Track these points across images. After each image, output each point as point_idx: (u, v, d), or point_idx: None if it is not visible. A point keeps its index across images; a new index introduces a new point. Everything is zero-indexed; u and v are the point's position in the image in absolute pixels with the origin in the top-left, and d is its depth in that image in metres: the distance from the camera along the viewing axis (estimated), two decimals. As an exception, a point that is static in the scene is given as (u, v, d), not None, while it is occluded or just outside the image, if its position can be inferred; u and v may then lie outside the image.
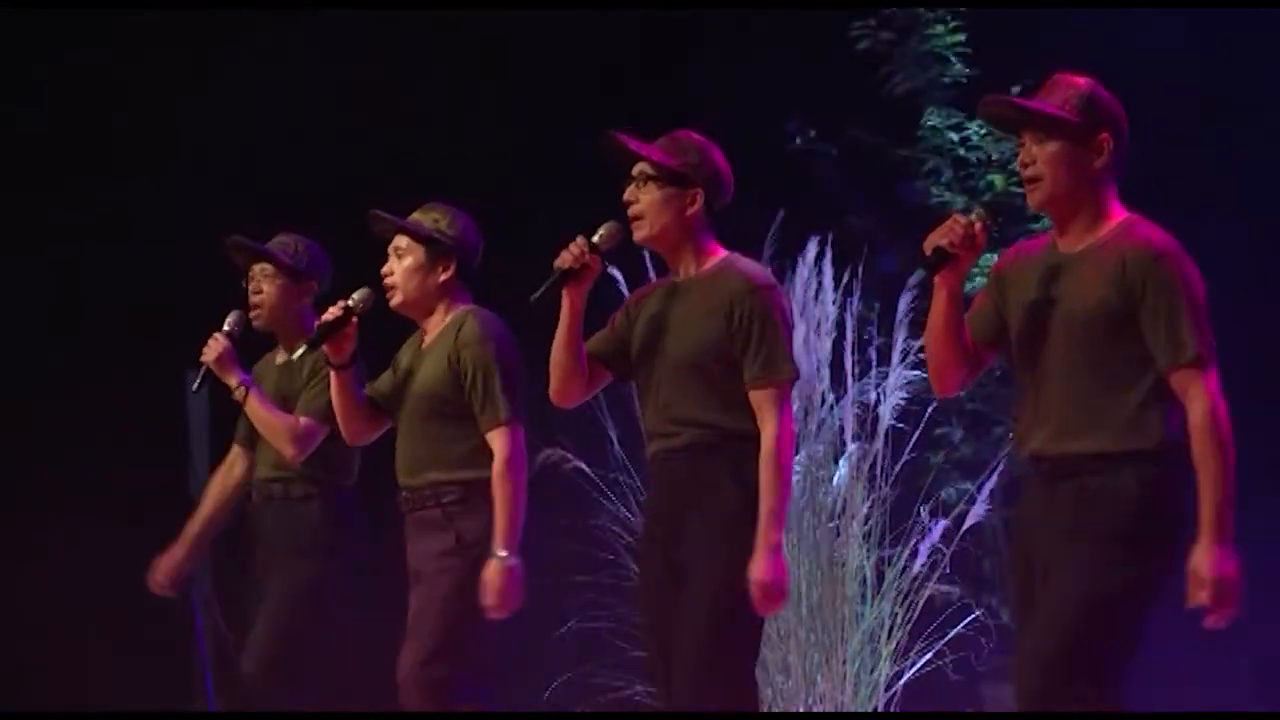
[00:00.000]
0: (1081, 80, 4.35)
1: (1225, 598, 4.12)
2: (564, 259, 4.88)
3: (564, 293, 4.89)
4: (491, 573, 5.29)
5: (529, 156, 8.28)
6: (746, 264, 4.97)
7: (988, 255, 5.86)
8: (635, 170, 4.95)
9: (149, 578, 6.36)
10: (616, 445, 7.31)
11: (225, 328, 6.11)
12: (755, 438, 4.81)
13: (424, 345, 5.59)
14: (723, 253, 4.98)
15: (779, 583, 4.74)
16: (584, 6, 8.45)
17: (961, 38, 7.47)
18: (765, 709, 7.39)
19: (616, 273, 7.08)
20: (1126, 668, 4.23)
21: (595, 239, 4.92)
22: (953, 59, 7.45)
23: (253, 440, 6.21)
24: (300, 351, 5.72)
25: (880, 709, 7.34)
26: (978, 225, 4.30)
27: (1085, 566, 4.17)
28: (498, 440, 5.38)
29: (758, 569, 4.73)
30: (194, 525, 6.35)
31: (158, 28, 8.37)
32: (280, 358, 6.25)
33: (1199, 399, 4.16)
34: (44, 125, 8.37)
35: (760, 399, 4.81)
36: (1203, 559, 4.11)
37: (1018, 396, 4.41)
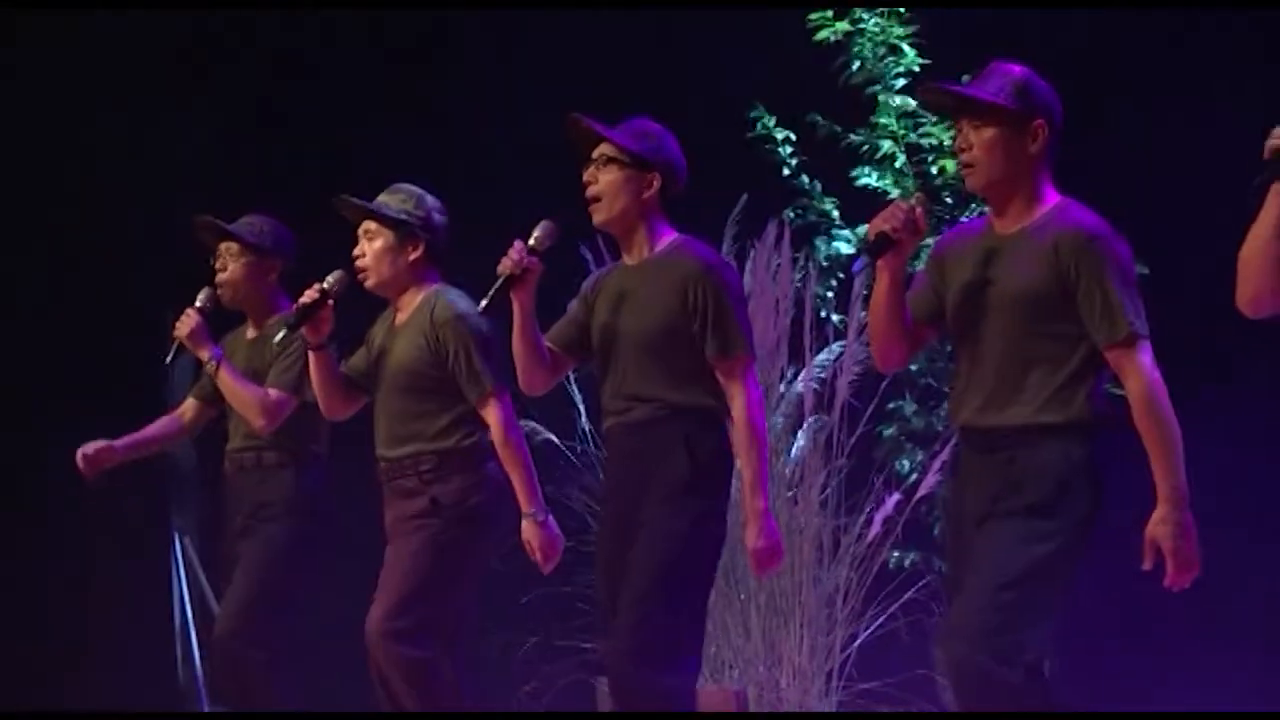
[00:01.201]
0: (1017, 68, 4.36)
1: (1184, 564, 4.17)
2: (504, 265, 4.90)
3: (512, 295, 4.92)
4: (528, 532, 5.41)
5: (508, 143, 8.32)
6: (698, 246, 5.00)
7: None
8: (595, 153, 4.98)
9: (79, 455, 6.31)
10: (584, 419, 7.39)
11: (197, 304, 6.17)
12: (705, 411, 4.88)
13: (397, 323, 5.64)
14: (673, 235, 5.02)
15: (774, 546, 4.89)
16: (554, 5, 8.50)
17: (914, 29, 7.51)
18: (725, 671, 7.47)
19: (587, 254, 7.17)
20: (1047, 631, 4.24)
21: (531, 242, 4.94)
22: (906, 49, 7.49)
23: (210, 397, 6.28)
24: (280, 335, 5.79)
25: (836, 670, 7.39)
26: (918, 210, 4.31)
27: (1007, 539, 4.21)
28: (489, 410, 5.44)
29: (752, 537, 4.86)
30: (130, 437, 6.36)
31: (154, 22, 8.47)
32: (250, 332, 6.31)
33: (1135, 375, 4.19)
34: (41, 116, 8.44)
35: (725, 373, 4.87)
36: (1158, 529, 4.16)
37: (954, 370, 4.46)
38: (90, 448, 6.26)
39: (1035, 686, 4.20)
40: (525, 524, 5.43)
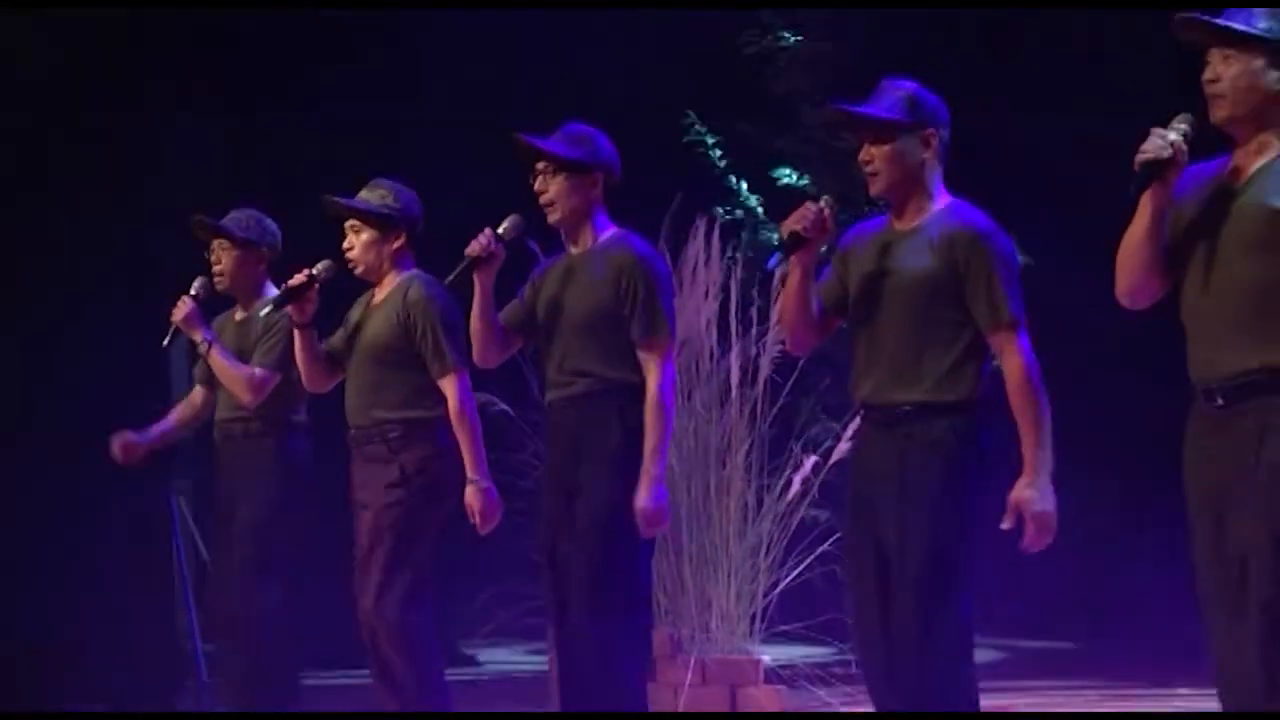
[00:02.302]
0: (907, 84, 4.52)
1: (1044, 529, 4.31)
2: (473, 248, 5.06)
3: (475, 276, 5.08)
4: (471, 497, 5.55)
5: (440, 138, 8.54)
6: (634, 239, 5.19)
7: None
8: (540, 165, 5.13)
9: (113, 447, 6.50)
10: (536, 392, 7.20)
11: (191, 291, 6.35)
12: (637, 387, 5.07)
13: (373, 304, 5.79)
14: (613, 229, 5.19)
15: (660, 509, 5.01)
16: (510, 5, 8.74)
17: (829, 45, 7.89)
18: (662, 616, 7.57)
19: (534, 245, 7.51)
20: (968, 595, 4.36)
21: (500, 231, 5.11)
22: (820, 64, 7.84)
23: (210, 380, 6.37)
24: (266, 310, 5.93)
25: (759, 614, 7.57)
26: (826, 211, 4.46)
27: (917, 519, 4.34)
28: (449, 386, 5.61)
29: (642, 497, 4.98)
30: (157, 427, 6.58)
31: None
32: (238, 315, 6.42)
33: (1014, 357, 4.36)
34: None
35: (646, 354, 5.06)
36: (1024, 494, 4.30)
37: (852, 351, 4.58)
38: (119, 444, 6.49)
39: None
40: (470, 489, 5.55)
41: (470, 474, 5.58)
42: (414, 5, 8.89)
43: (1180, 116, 3.88)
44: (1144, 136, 3.86)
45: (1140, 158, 3.86)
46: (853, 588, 4.54)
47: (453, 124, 8.67)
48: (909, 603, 4.37)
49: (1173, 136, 3.84)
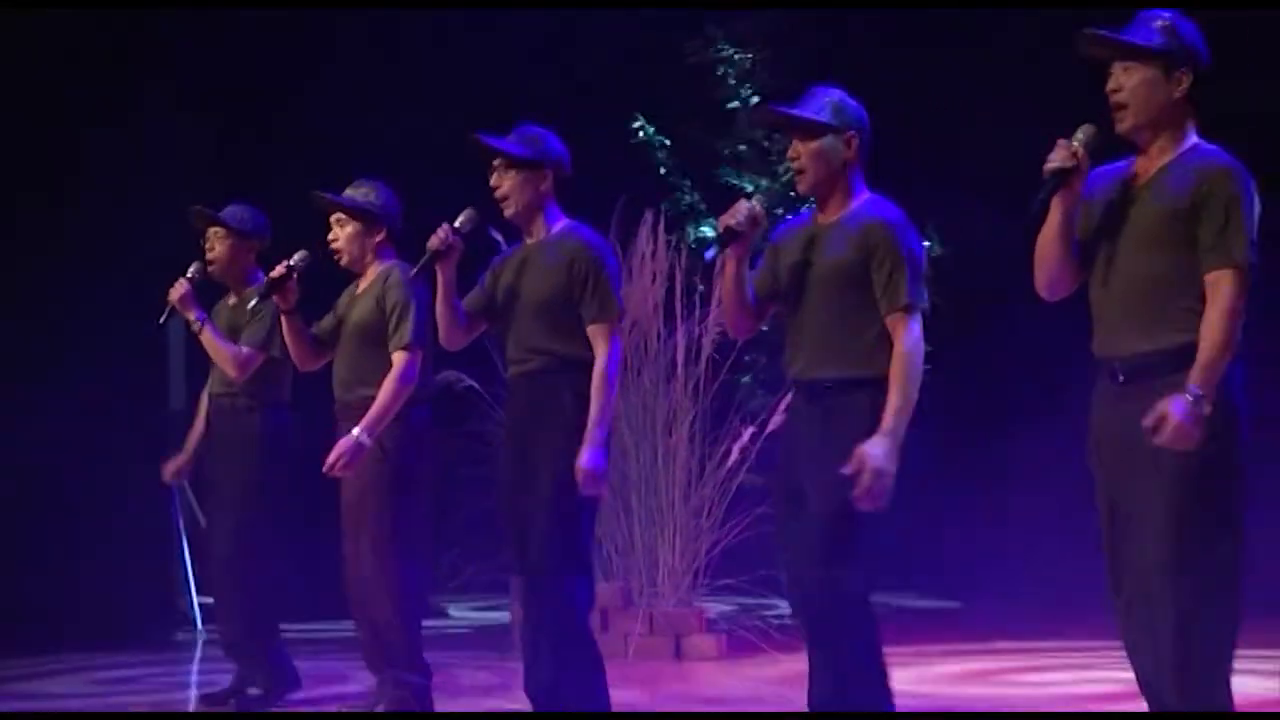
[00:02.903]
0: (834, 91, 4.66)
1: (878, 486, 4.34)
2: (433, 242, 5.16)
3: (437, 267, 5.16)
4: (345, 443, 5.69)
5: (425, 144, 8.65)
6: (585, 230, 5.32)
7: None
8: (496, 161, 5.26)
9: (163, 472, 6.65)
10: (501, 369, 7.38)
11: (188, 274, 6.47)
12: (587, 361, 5.19)
13: (358, 292, 6.04)
14: (565, 220, 5.32)
15: (597, 470, 5.06)
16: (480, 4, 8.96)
17: (765, 53, 8.21)
18: (614, 572, 7.90)
19: (498, 235, 7.46)
20: (873, 548, 4.49)
21: (457, 224, 5.21)
22: (758, 73, 8.18)
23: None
24: (254, 301, 6.15)
25: (702, 570, 7.88)
26: (758, 208, 4.59)
27: (831, 478, 4.43)
28: (398, 359, 5.81)
29: (585, 458, 5.05)
30: (192, 436, 6.69)
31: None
32: (231, 300, 6.62)
33: (904, 338, 4.50)
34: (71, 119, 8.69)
35: (595, 332, 5.18)
36: (872, 449, 4.35)
37: (785, 335, 4.71)
38: (170, 472, 6.64)
39: (860, 613, 4.50)
40: (347, 437, 5.64)
41: (358, 427, 5.71)
42: (410, 5, 9.02)
43: (1082, 127, 4.08)
44: (1051, 147, 4.07)
45: (1048, 167, 4.03)
46: (778, 524, 4.75)
47: (439, 124, 8.43)
48: (815, 546, 4.50)
49: (1075, 146, 4.05)
